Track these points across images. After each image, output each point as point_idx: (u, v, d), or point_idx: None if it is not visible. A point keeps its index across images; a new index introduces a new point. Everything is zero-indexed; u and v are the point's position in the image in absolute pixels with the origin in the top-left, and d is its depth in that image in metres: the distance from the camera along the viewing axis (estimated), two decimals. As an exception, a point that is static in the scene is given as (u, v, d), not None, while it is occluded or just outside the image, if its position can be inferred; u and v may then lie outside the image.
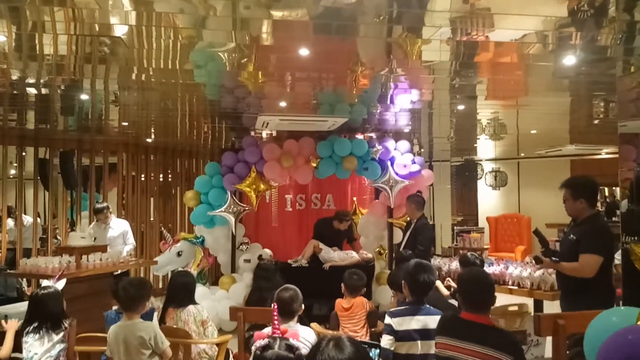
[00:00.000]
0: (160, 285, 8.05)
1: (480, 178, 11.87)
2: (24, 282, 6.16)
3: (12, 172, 7.87)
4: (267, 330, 2.39)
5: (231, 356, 4.05)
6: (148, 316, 3.53)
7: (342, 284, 4.29)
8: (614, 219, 10.49)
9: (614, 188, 10.85)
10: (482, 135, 7.95)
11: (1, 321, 3.40)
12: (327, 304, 5.52)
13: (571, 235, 3.60)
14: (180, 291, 3.96)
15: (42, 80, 4.35)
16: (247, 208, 6.66)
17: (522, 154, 10.87)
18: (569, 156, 10.31)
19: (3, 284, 5.93)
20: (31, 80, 4.33)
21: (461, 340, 2.51)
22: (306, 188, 7.61)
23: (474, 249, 9.68)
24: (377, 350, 3.27)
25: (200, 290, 6.19)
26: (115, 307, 4.14)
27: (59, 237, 7.75)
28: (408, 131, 7.20)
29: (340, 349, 1.63)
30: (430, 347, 2.87)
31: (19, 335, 3.30)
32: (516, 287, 5.13)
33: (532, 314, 4.39)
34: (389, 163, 6.59)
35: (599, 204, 11.43)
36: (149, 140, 7.81)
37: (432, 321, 2.94)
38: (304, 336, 2.93)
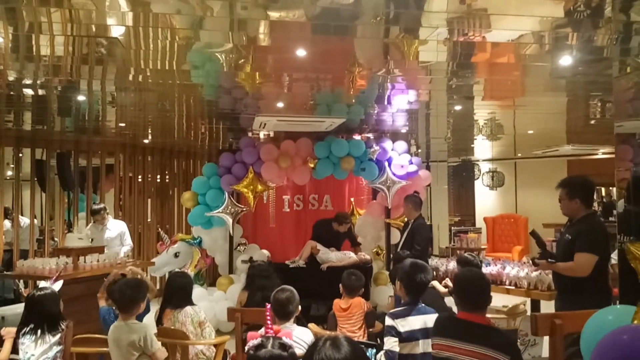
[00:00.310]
0: (158, 287, 8.04)
1: (478, 178, 11.90)
2: (21, 284, 6.15)
3: (9, 173, 7.85)
4: (261, 330, 2.39)
5: (229, 357, 4.04)
6: (145, 311, 3.53)
7: (340, 285, 4.30)
8: (610, 218, 10.54)
9: (610, 188, 10.89)
10: (479, 136, 7.97)
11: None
12: (324, 304, 5.52)
13: (567, 235, 3.61)
14: (177, 292, 3.95)
15: (39, 81, 4.33)
16: (244, 209, 6.65)
17: (519, 154, 10.89)
18: (566, 156, 10.33)
19: (0, 285, 5.92)
20: (28, 81, 4.32)
21: (458, 340, 2.51)
22: (304, 189, 7.61)
23: (471, 249, 9.70)
24: (374, 350, 3.28)
25: (197, 291, 6.18)
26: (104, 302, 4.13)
27: (56, 239, 7.73)
28: (405, 132, 7.21)
29: (337, 348, 1.63)
30: (429, 346, 2.88)
31: (15, 337, 3.29)
32: (513, 287, 5.14)
33: (529, 313, 4.40)
34: (386, 163, 6.60)
35: (595, 204, 11.49)
36: (146, 141, 7.80)
37: (429, 320, 2.97)
38: (299, 336, 2.94)
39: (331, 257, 6.39)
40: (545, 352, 4.07)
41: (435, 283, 4.65)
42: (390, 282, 4.58)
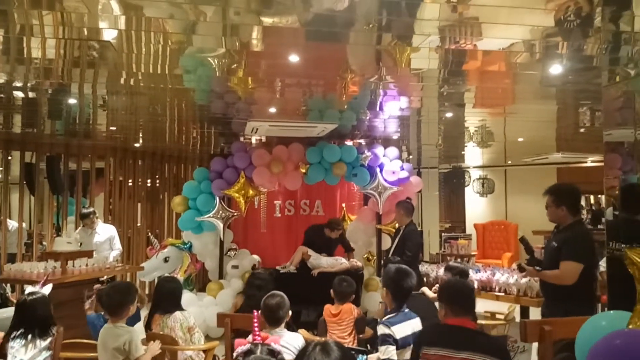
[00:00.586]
0: (147, 292, 7.98)
1: (468, 185, 11.96)
2: (8, 288, 6.07)
3: (-3, 176, 7.77)
4: (249, 338, 2.39)
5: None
6: (134, 318, 3.50)
7: (332, 290, 4.29)
8: (599, 226, 10.62)
9: (599, 196, 10.98)
10: (469, 143, 8.02)
11: None
12: (315, 310, 5.51)
13: (553, 242, 3.63)
14: (166, 297, 3.93)
15: (29, 84, 4.31)
16: (235, 214, 6.63)
17: (509, 162, 10.97)
18: (556, 164, 10.42)
19: (-14, 289, 5.84)
20: (18, 84, 4.29)
21: (450, 349, 2.49)
22: (295, 194, 7.61)
23: (461, 255, 9.74)
24: (365, 356, 3.27)
25: (187, 296, 6.14)
26: (90, 311, 4.10)
27: (44, 243, 7.66)
28: (397, 138, 7.24)
29: (326, 353, 1.63)
30: (408, 352, 2.89)
31: (3, 341, 3.25)
32: (503, 294, 5.17)
33: (519, 320, 4.42)
34: (377, 169, 6.62)
35: (584, 212, 11.58)
36: (137, 145, 7.76)
37: (415, 325, 3.00)
38: (290, 341, 2.93)
39: (322, 262, 6.38)
40: (534, 358, 4.09)
41: (425, 289, 4.67)
42: (382, 288, 4.58)
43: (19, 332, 3.22)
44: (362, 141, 7.10)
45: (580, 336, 1.95)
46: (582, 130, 6.74)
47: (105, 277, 5.56)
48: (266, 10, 2.71)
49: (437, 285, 4.94)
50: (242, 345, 2.07)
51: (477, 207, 11.94)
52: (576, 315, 3.02)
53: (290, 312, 3.13)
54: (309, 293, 5.36)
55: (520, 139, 7.68)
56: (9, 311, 4.96)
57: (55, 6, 2.65)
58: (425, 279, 6.20)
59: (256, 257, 6.93)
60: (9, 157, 7.09)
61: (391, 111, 5.42)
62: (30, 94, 4.64)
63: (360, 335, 4.21)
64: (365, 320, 4.46)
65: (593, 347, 1.49)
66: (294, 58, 3.53)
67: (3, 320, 4.49)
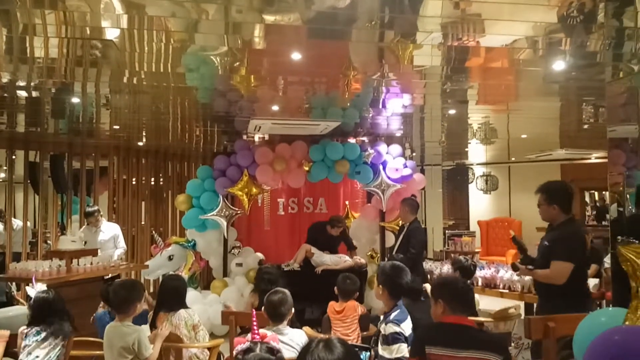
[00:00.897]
0: (151, 290, 8.01)
1: (472, 182, 11.93)
2: (14, 287, 6.10)
3: (2, 175, 7.81)
4: (248, 336, 2.40)
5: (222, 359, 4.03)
6: (142, 318, 3.51)
7: (335, 288, 4.30)
8: (603, 222, 10.60)
9: (603, 192, 10.95)
10: (473, 140, 8.00)
11: None
12: (319, 307, 5.52)
13: (545, 241, 3.62)
14: (171, 295, 3.94)
15: (32, 83, 4.32)
16: (239, 212, 6.64)
17: (513, 159, 10.94)
18: (559, 160, 10.38)
19: (-8, 288, 5.87)
20: (22, 83, 4.31)
21: (453, 348, 2.48)
22: (298, 192, 7.62)
23: (465, 252, 9.71)
24: (368, 353, 3.28)
25: (191, 294, 6.16)
26: (101, 309, 4.12)
27: (49, 242, 7.69)
28: (400, 135, 7.23)
29: (330, 349, 1.63)
30: None
31: (14, 338, 3.28)
32: (507, 291, 5.17)
33: (523, 317, 4.42)
34: (381, 167, 6.62)
35: (588, 208, 11.55)
36: (140, 143, 7.77)
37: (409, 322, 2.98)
38: (293, 338, 2.94)
39: (326, 260, 6.39)
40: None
41: (427, 286, 4.66)
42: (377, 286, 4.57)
43: (34, 329, 3.23)
44: (365, 139, 7.10)
45: (578, 332, 1.96)
46: (585, 126, 6.72)
47: (109, 275, 5.59)
48: (268, 8, 2.71)
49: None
50: (241, 344, 2.08)
51: (480, 204, 11.91)
52: (569, 311, 3.03)
53: (292, 309, 3.13)
54: (313, 290, 5.37)
55: (523, 136, 7.66)
56: (15, 309, 5.01)
57: (58, 5, 2.66)
58: (429, 276, 6.20)
59: (260, 255, 6.94)
60: (13, 157, 7.11)
61: (394, 108, 5.42)
62: (34, 93, 4.66)
63: (364, 333, 4.22)
64: (370, 318, 4.46)
65: (591, 343, 1.49)
66: (296, 56, 3.53)
67: (9, 318, 4.53)
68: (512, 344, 4.20)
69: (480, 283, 6.03)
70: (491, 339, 2.56)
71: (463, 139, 7.98)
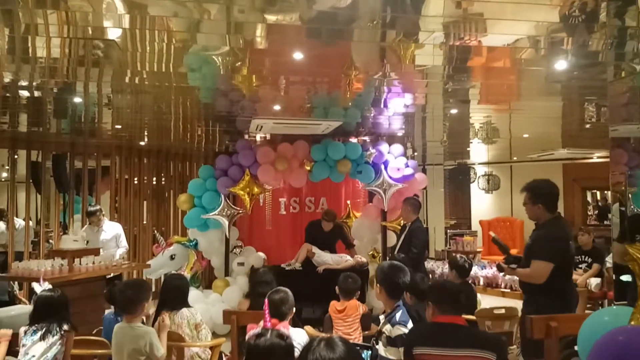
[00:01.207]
0: (154, 289, 8.02)
1: (473, 182, 11.92)
2: (16, 286, 6.11)
3: (4, 175, 7.82)
4: (260, 323, 2.43)
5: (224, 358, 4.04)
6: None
7: (337, 287, 4.30)
8: (605, 222, 10.58)
9: (605, 192, 10.93)
10: (474, 139, 7.99)
11: None
12: (320, 307, 5.52)
13: (529, 241, 3.62)
14: (173, 294, 3.94)
15: (34, 83, 4.33)
16: (240, 211, 6.65)
17: (515, 158, 10.92)
18: (561, 160, 10.37)
19: (-6, 287, 5.89)
20: (24, 83, 4.32)
21: (444, 347, 2.49)
22: (300, 191, 7.62)
23: (466, 252, 9.71)
24: (369, 352, 3.27)
25: (193, 293, 6.16)
26: (108, 310, 4.13)
27: (51, 241, 7.70)
28: (401, 135, 7.23)
29: (331, 348, 1.64)
30: None
31: (17, 337, 3.28)
32: (509, 290, 5.17)
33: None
34: (382, 166, 6.61)
35: (590, 208, 11.54)
36: (142, 143, 7.79)
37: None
38: (293, 337, 2.94)
39: (327, 259, 6.40)
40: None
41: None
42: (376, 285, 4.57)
43: (32, 328, 3.24)
44: (367, 138, 7.10)
45: (582, 332, 1.96)
46: (587, 126, 6.71)
47: (111, 274, 5.60)
48: (270, 7, 2.71)
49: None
50: (253, 330, 2.14)
51: (482, 204, 11.90)
52: (548, 311, 3.04)
53: (294, 309, 3.14)
54: (314, 290, 5.37)
55: (525, 135, 7.65)
56: (17, 309, 5.02)
57: (60, 5, 2.67)
58: (431, 276, 6.20)
59: (262, 255, 6.94)
60: (16, 156, 7.13)
61: (396, 108, 5.41)
62: (36, 93, 4.67)
63: (366, 332, 4.22)
64: (371, 317, 4.46)
65: (596, 343, 1.49)
66: (298, 56, 3.53)
67: (12, 317, 4.53)
68: (515, 345, 4.20)
69: (481, 283, 6.04)
70: (484, 337, 2.57)
71: (465, 138, 7.98)
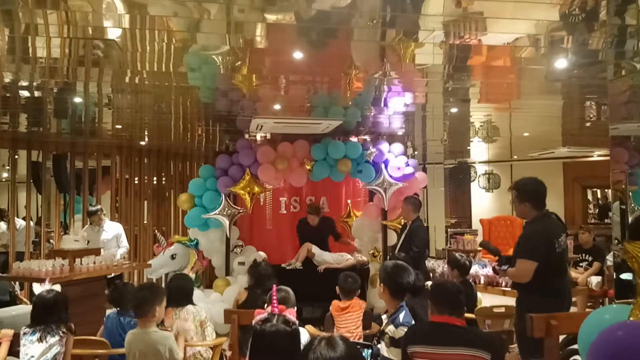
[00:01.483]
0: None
1: (474, 180, 11.92)
2: (17, 286, 6.12)
3: (5, 175, 7.82)
4: (268, 309, 2.43)
5: (225, 358, 4.04)
6: None
7: (337, 287, 4.30)
8: (606, 220, 10.59)
9: (606, 190, 10.93)
10: (475, 138, 7.99)
11: None
12: (321, 306, 5.52)
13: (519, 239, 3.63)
14: (178, 292, 3.96)
15: (35, 83, 4.33)
16: (241, 211, 6.65)
17: (515, 157, 10.93)
18: (562, 159, 10.37)
19: (-5, 287, 5.89)
20: (24, 83, 4.32)
21: (439, 346, 2.51)
22: (300, 191, 7.62)
23: (467, 250, 9.71)
24: (370, 351, 3.27)
25: (194, 293, 6.16)
26: (110, 310, 4.14)
27: (51, 241, 7.71)
28: (402, 134, 7.23)
29: (332, 347, 1.64)
30: None
31: (18, 337, 3.29)
32: (509, 289, 5.16)
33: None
34: (382, 165, 6.61)
35: (591, 206, 11.54)
36: (142, 143, 7.79)
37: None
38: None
39: (327, 258, 6.40)
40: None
41: (430, 284, 4.66)
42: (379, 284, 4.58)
43: (31, 329, 3.24)
44: (367, 137, 7.09)
45: (583, 329, 1.96)
46: (588, 124, 6.71)
47: (112, 274, 5.60)
48: (270, 7, 2.71)
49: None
50: (260, 315, 2.14)
51: (483, 203, 11.91)
52: (538, 309, 3.04)
53: (295, 308, 3.14)
54: (315, 290, 5.37)
55: (525, 134, 7.65)
56: (18, 309, 5.02)
57: (60, 5, 2.67)
58: (431, 275, 6.20)
59: (262, 254, 6.94)
60: (16, 156, 7.14)
61: (396, 107, 5.41)
62: (36, 93, 4.67)
63: (367, 331, 4.22)
64: (372, 316, 4.47)
65: (595, 339, 1.49)
66: (298, 55, 3.53)
67: (13, 317, 4.55)
68: (516, 343, 4.20)
69: (482, 281, 6.04)
70: (479, 337, 2.58)
71: (465, 137, 7.98)
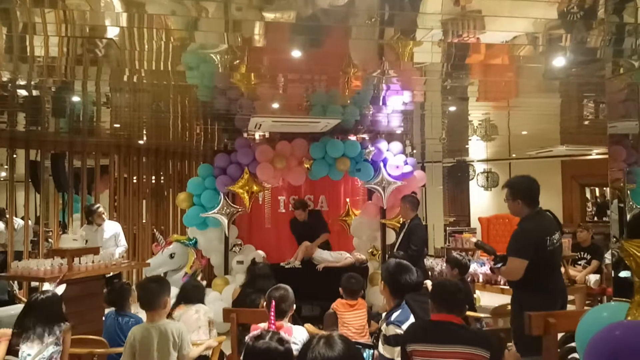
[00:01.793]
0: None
1: (472, 179, 11.94)
2: (15, 285, 6.12)
3: (3, 174, 7.81)
4: (264, 325, 2.42)
5: (225, 357, 4.05)
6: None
7: (341, 288, 4.32)
8: (604, 218, 10.60)
9: (604, 188, 10.95)
10: (473, 137, 8.00)
11: None
12: (320, 305, 5.52)
13: None
14: (193, 291, 4.20)
15: (32, 82, 4.32)
16: (240, 209, 6.65)
17: (514, 155, 10.94)
18: (560, 157, 10.39)
19: (-6, 287, 5.89)
20: (22, 82, 4.31)
21: (438, 344, 2.53)
22: (299, 189, 7.61)
23: (466, 249, 9.71)
24: (372, 351, 3.28)
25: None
26: (109, 310, 4.14)
27: (50, 240, 7.70)
28: (400, 132, 7.23)
29: (330, 346, 1.63)
30: None
31: (15, 336, 3.29)
32: (507, 287, 5.16)
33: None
34: (381, 164, 6.61)
35: (589, 204, 11.55)
36: (140, 142, 7.78)
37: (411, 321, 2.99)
38: (296, 335, 2.95)
39: (327, 257, 6.40)
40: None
41: (428, 282, 4.68)
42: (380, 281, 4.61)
43: (26, 328, 3.24)
44: (366, 136, 7.09)
45: (580, 328, 1.96)
46: (586, 122, 6.72)
47: (110, 273, 5.60)
48: (268, 5, 2.71)
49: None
50: (256, 330, 2.12)
51: (481, 201, 11.92)
52: (529, 306, 3.07)
53: (294, 306, 3.14)
54: (313, 288, 5.38)
55: (524, 132, 7.66)
56: (17, 308, 5.01)
57: (58, 4, 2.66)
58: (430, 273, 6.21)
59: (261, 253, 6.95)
60: (14, 155, 7.13)
61: (394, 105, 5.41)
62: (34, 92, 4.66)
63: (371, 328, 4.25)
64: (371, 314, 4.48)
65: (592, 338, 1.50)
66: (296, 53, 3.53)
67: (11, 317, 4.53)
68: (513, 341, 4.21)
69: (481, 280, 6.04)
70: (475, 335, 2.59)
71: (463, 135, 7.99)
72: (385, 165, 6.64)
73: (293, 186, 7.33)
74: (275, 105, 5.29)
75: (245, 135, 6.93)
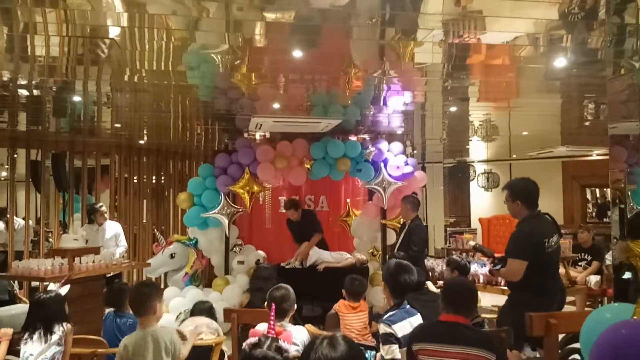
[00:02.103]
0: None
1: (473, 179, 11.93)
2: (16, 285, 6.12)
3: (4, 174, 7.81)
4: (264, 327, 2.39)
5: (226, 357, 4.04)
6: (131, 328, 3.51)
7: (344, 290, 4.32)
8: (605, 219, 10.59)
9: (605, 189, 10.94)
10: (474, 137, 8.00)
11: None
12: (320, 305, 5.53)
13: None
14: (204, 310, 4.05)
15: (33, 82, 4.32)
16: (240, 210, 6.65)
17: (514, 156, 10.93)
18: (561, 157, 10.38)
19: (-6, 286, 5.89)
20: (23, 82, 4.31)
21: (445, 344, 2.53)
22: (300, 190, 7.62)
23: (466, 250, 9.71)
24: (374, 352, 3.28)
25: (193, 292, 6.18)
26: (109, 310, 4.14)
27: (50, 240, 7.70)
28: (401, 133, 7.23)
29: (333, 347, 1.62)
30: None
31: (17, 337, 3.29)
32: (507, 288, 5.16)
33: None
34: (382, 164, 6.61)
35: (590, 205, 11.54)
36: (141, 142, 7.78)
37: (416, 321, 3.00)
38: (297, 337, 2.94)
39: (327, 257, 6.40)
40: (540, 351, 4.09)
41: (429, 283, 4.68)
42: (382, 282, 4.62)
43: (29, 328, 3.24)
44: (366, 136, 7.09)
45: (585, 328, 1.96)
46: (587, 123, 6.71)
47: (111, 273, 5.60)
48: (269, 5, 2.71)
49: (442, 280, 4.95)
50: (254, 337, 2.08)
51: (482, 202, 11.91)
52: (524, 307, 3.07)
53: (295, 306, 3.14)
54: (314, 288, 5.38)
55: (524, 133, 7.66)
56: (17, 308, 5.02)
57: (59, 4, 2.67)
58: (430, 274, 6.20)
59: (261, 253, 6.95)
60: (15, 155, 7.13)
61: (395, 106, 5.41)
62: (35, 92, 4.66)
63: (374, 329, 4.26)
64: (372, 315, 4.48)
65: (599, 337, 1.49)
66: (297, 53, 3.53)
67: (12, 316, 4.54)
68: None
69: (481, 280, 6.04)
70: (481, 337, 2.59)
71: (464, 136, 7.98)
72: (385, 166, 6.64)
73: (293, 186, 7.33)
74: (276, 106, 5.29)
75: (246, 135, 6.93)
